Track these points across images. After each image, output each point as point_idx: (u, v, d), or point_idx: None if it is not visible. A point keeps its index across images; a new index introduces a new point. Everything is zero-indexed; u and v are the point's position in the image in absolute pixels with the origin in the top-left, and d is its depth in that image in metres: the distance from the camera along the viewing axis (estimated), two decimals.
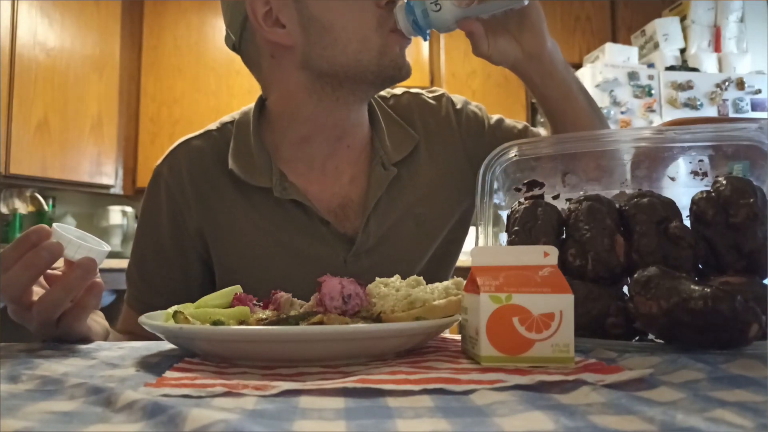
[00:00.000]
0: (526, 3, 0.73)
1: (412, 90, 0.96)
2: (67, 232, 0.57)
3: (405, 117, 0.91)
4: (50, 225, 0.58)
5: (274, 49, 0.80)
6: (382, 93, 0.93)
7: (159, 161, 0.89)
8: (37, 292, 0.59)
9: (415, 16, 0.74)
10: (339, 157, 0.86)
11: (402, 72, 0.79)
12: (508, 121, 0.95)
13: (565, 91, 0.82)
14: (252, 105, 0.89)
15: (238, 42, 0.83)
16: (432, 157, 0.90)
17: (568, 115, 0.83)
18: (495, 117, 0.95)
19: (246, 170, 0.82)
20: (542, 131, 0.97)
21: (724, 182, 0.54)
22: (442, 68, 3.56)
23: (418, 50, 3.58)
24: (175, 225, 0.85)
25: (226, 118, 0.91)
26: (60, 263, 0.59)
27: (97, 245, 0.59)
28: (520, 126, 0.94)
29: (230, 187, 0.84)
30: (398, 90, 0.96)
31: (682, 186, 0.62)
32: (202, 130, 0.90)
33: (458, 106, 0.94)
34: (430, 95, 0.95)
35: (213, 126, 0.90)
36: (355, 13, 0.76)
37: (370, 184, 0.84)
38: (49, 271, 0.61)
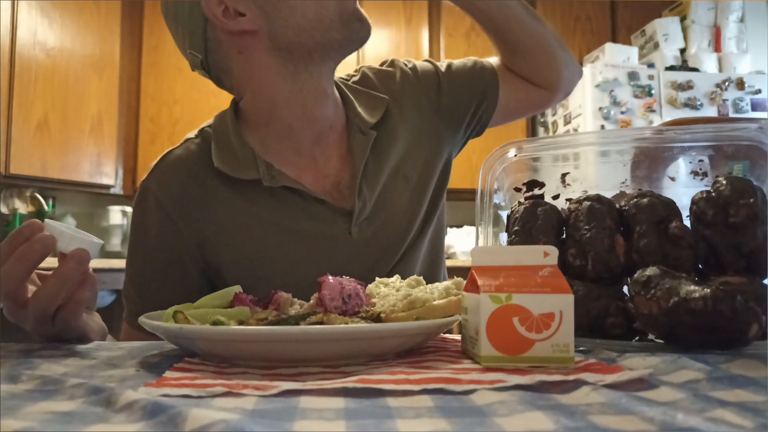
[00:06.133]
0: None
1: (366, 65, 1.00)
2: (59, 226, 0.57)
3: (368, 86, 0.95)
4: None
5: (241, 43, 0.82)
6: (341, 75, 0.96)
7: (145, 177, 0.87)
8: (32, 290, 0.58)
9: None
10: (325, 141, 0.88)
11: (365, 23, 0.82)
12: (457, 62, 0.99)
13: (498, 3, 0.90)
14: (225, 110, 0.90)
15: (205, 56, 0.84)
16: (403, 116, 0.93)
17: (510, 23, 0.92)
18: (444, 63, 0.99)
19: (232, 166, 0.83)
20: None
21: (724, 182, 0.54)
22: None
23: (418, 50, 3.58)
24: (170, 238, 0.84)
25: (203, 125, 0.91)
26: (54, 263, 0.59)
27: (89, 239, 0.58)
28: (469, 63, 0.99)
29: (222, 187, 0.84)
30: (353, 70, 1.00)
31: (682, 186, 0.62)
32: (181, 141, 0.90)
33: (410, 65, 0.98)
34: (383, 65, 1.00)
35: (191, 134, 0.90)
36: None
37: (354, 152, 0.87)
38: (43, 273, 0.61)
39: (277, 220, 0.83)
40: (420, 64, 0.98)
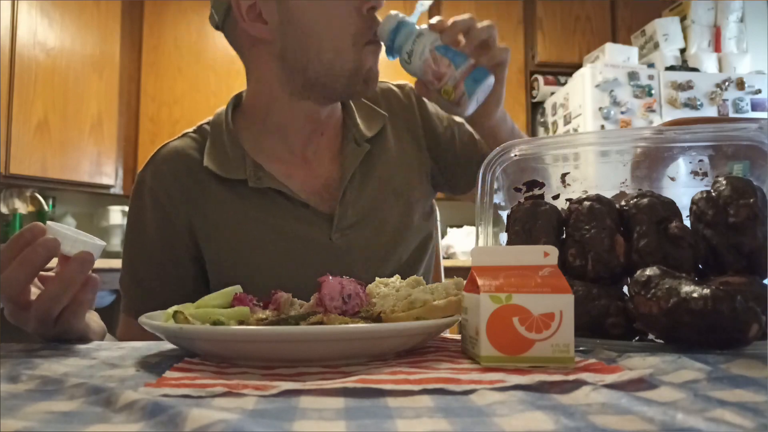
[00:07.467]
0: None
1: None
2: (61, 229, 0.57)
3: (371, 99, 0.96)
4: None
5: (254, 42, 0.84)
6: None
7: (141, 169, 0.90)
8: (34, 292, 0.58)
9: (392, 43, 0.75)
10: (316, 144, 0.90)
11: (369, 88, 0.84)
12: (467, 128, 1.00)
13: (498, 128, 0.89)
14: (224, 107, 0.92)
15: (221, 24, 0.86)
16: (396, 135, 0.95)
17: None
18: (454, 119, 1.00)
19: (221, 165, 0.85)
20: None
21: (724, 182, 0.54)
22: None
23: None
24: (163, 227, 0.86)
25: (202, 122, 0.94)
26: (54, 263, 0.59)
27: (91, 241, 0.59)
28: (474, 138, 1.00)
29: (213, 182, 0.86)
30: None
31: (682, 186, 0.62)
32: (179, 135, 0.92)
33: (421, 98, 1.00)
34: (394, 83, 1.01)
35: (190, 129, 0.93)
36: (335, 22, 0.79)
37: (345, 160, 0.88)
38: (43, 273, 0.61)
39: (262, 218, 0.85)
40: (430, 105, 1.00)
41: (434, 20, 0.75)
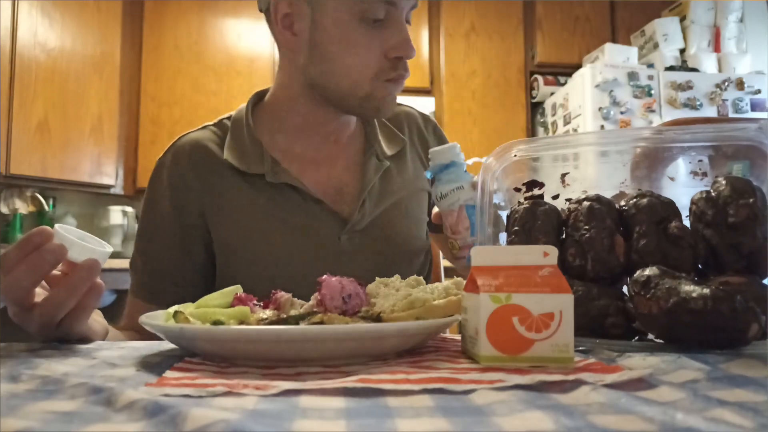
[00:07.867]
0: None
1: (404, 105, 1.06)
2: (68, 232, 0.57)
3: (395, 122, 1.01)
4: (50, 225, 0.58)
5: (284, 45, 0.87)
6: None
7: (161, 155, 0.94)
8: (39, 293, 0.59)
9: (437, 173, 0.76)
10: (328, 149, 0.93)
11: (381, 114, 0.86)
12: None
13: None
14: (245, 103, 0.95)
15: (264, 12, 0.89)
16: (413, 160, 1.00)
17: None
18: None
19: (241, 159, 0.88)
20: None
21: (724, 182, 0.54)
22: (442, 68, 3.56)
23: (418, 50, 3.58)
24: (177, 210, 0.89)
25: (223, 116, 0.98)
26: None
27: (98, 246, 0.59)
28: None
29: (229, 173, 0.89)
30: None
31: (682, 186, 0.62)
32: (199, 126, 0.96)
33: (439, 133, 1.06)
34: (420, 112, 1.06)
35: (210, 123, 0.96)
36: (359, 58, 0.81)
37: (366, 172, 0.92)
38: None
39: (273, 211, 0.87)
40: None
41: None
